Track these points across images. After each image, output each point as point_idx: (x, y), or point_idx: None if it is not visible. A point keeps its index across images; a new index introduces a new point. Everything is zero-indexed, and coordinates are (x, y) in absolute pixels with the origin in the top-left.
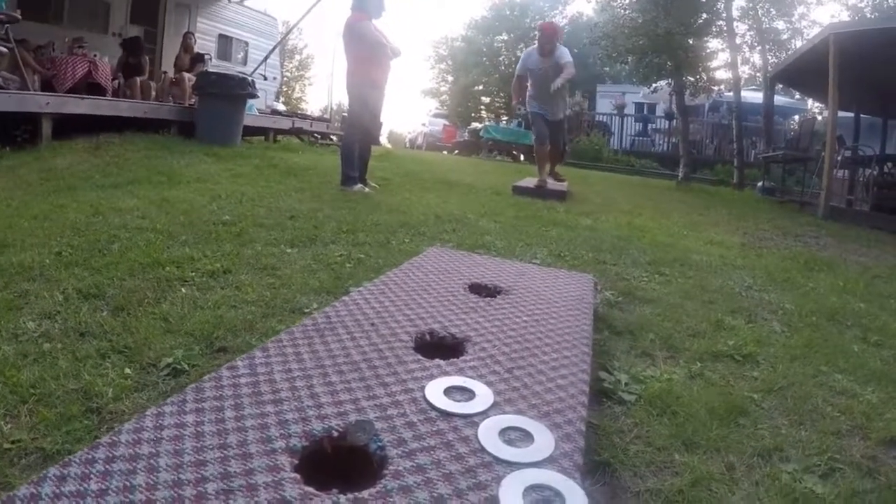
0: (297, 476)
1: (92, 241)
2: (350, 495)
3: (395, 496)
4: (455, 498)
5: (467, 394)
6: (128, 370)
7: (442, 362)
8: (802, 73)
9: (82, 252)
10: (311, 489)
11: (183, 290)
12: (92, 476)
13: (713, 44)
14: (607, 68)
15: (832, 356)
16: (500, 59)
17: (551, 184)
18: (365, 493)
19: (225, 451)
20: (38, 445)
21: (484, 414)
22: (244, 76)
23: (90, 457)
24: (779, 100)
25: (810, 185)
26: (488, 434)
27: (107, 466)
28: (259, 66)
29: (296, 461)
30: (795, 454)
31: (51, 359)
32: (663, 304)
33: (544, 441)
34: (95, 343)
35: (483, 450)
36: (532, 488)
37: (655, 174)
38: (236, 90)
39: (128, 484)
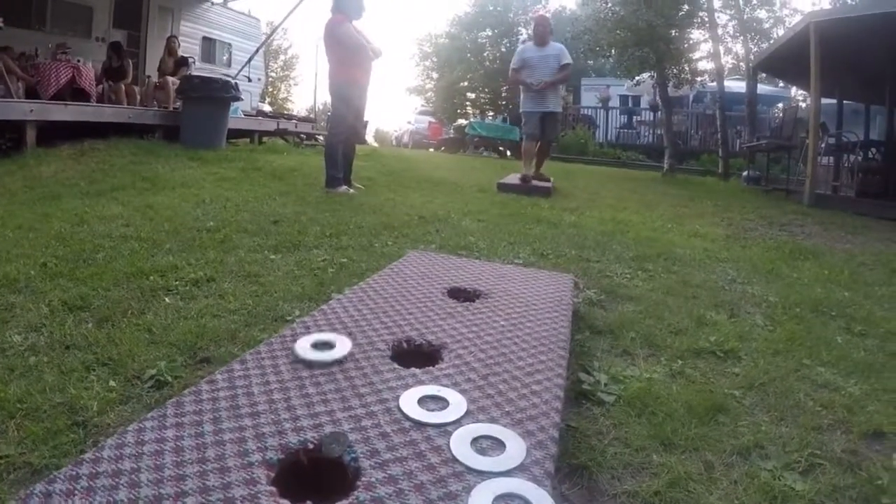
0: (273, 489)
1: (77, 251)
2: None
3: None
4: None
5: (441, 403)
6: (112, 383)
7: (417, 371)
8: (784, 62)
9: (67, 263)
10: (285, 502)
11: (167, 299)
12: (76, 492)
13: (695, 35)
14: (591, 62)
15: (815, 349)
16: (485, 54)
17: (536, 181)
18: None
19: (204, 466)
20: (26, 460)
21: (457, 423)
22: (228, 79)
23: (74, 473)
24: (762, 88)
25: (795, 172)
26: (460, 443)
27: (90, 482)
28: (243, 67)
29: (272, 474)
30: (775, 451)
31: (37, 373)
32: (645, 302)
33: (515, 449)
34: (81, 355)
35: (455, 459)
36: (502, 497)
37: (641, 166)
38: (220, 93)
39: (111, 499)
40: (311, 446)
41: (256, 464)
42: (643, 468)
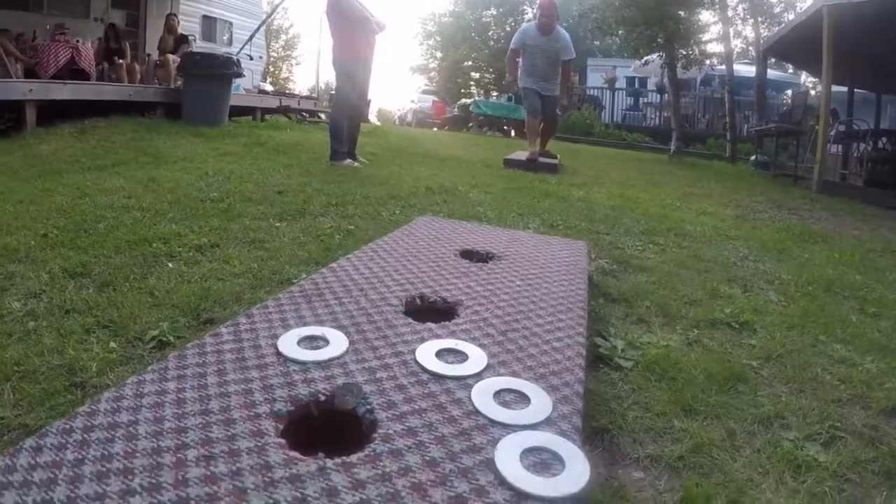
0: (282, 441)
1: (78, 221)
2: (337, 459)
3: (385, 460)
4: (448, 461)
5: (460, 356)
6: (113, 344)
7: (433, 325)
8: (795, 46)
9: (68, 233)
10: (295, 454)
11: (170, 264)
12: (69, 446)
13: (705, 16)
14: (597, 42)
15: (830, 326)
16: (489, 34)
17: (543, 158)
18: (353, 458)
19: (207, 418)
20: (22, 422)
21: (477, 376)
22: (229, 55)
23: (68, 426)
24: (771, 73)
25: (803, 159)
26: (482, 396)
27: (84, 436)
28: (244, 45)
29: (281, 426)
30: (796, 422)
31: (35, 336)
32: (658, 273)
33: (541, 403)
34: (80, 319)
35: (477, 412)
36: (530, 451)
37: (647, 148)
38: (222, 69)
39: (105, 453)
40: (322, 398)
41: (264, 416)
42: (665, 433)
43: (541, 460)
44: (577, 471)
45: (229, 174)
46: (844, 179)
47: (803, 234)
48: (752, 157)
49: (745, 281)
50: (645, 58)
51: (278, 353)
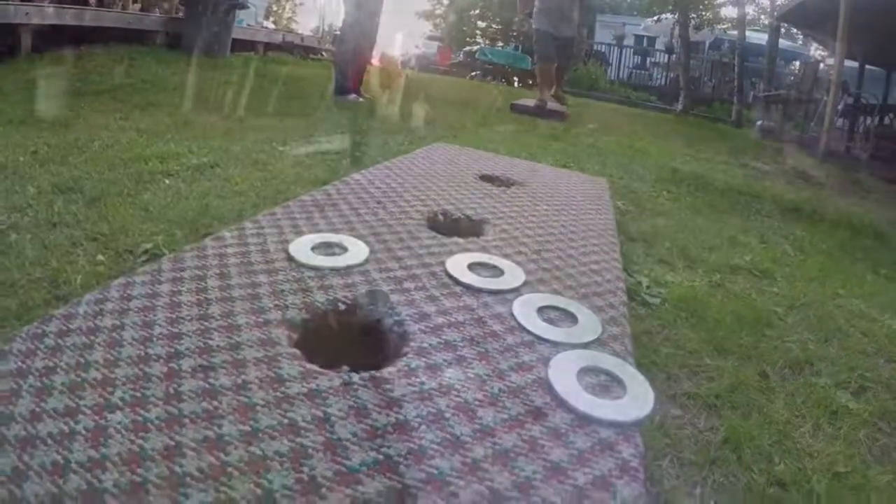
0: (297, 352)
1: (71, 140)
2: (364, 373)
3: (422, 374)
4: (497, 379)
5: (494, 270)
6: (101, 257)
7: (461, 240)
8: (812, 15)
9: (60, 150)
10: (314, 367)
11: (167, 181)
12: (38, 352)
13: None
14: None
15: (847, 281)
16: None
17: (551, 104)
18: (384, 372)
19: (206, 323)
20: None
21: (516, 291)
22: None
23: (39, 331)
24: (781, 43)
25: (807, 129)
26: (525, 311)
27: (58, 341)
28: None
29: (294, 336)
30: (826, 369)
31: (17, 249)
32: (675, 217)
33: (589, 322)
34: (67, 232)
35: (521, 327)
36: (585, 371)
37: (652, 107)
38: None
39: (81, 360)
40: (342, 308)
41: (274, 323)
42: (699, 371)
43: (599, 382)
44: (640, 394)
45: (230, 101)
46: (849, 152)
47: (811, 197)
48: (759, 122)
49: (760, 232)
50: (658, 15)
51: (290, 259)
